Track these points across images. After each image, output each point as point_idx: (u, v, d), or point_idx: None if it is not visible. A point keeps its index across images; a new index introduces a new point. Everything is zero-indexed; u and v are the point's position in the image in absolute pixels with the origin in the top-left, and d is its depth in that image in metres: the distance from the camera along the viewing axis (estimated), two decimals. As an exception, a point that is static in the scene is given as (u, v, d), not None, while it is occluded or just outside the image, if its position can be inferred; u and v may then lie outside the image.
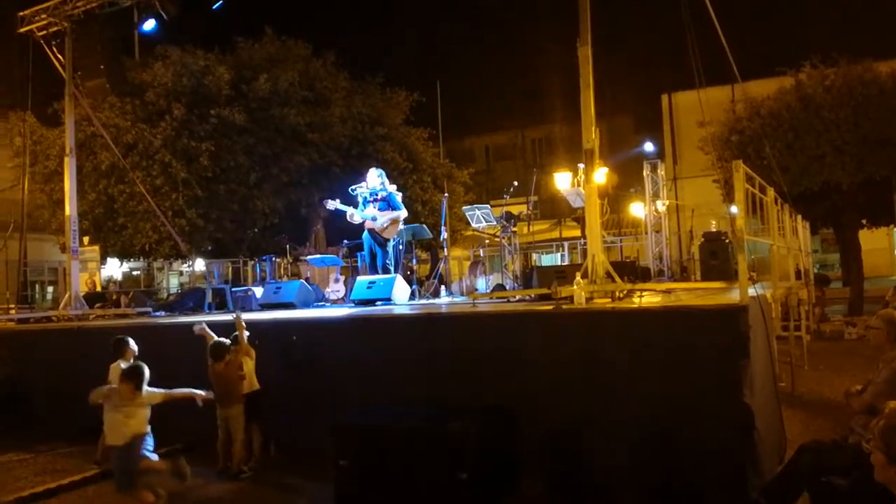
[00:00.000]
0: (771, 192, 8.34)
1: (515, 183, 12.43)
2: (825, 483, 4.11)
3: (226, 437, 6.34)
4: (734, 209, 6.86)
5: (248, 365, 6.51)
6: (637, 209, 19.78)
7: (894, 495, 2.59)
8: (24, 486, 6.29)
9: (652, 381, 5.12)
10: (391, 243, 10.15)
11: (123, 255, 19.70)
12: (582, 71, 6.93)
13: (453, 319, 6.73)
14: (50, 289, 26.16)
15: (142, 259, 21.17)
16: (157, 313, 11.53)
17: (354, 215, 10.14)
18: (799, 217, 13.66)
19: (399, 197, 10.41)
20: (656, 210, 17.22)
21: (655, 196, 17.21)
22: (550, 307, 5.99)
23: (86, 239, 17.16)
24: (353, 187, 10.33)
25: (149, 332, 8.49)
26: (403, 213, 10.21)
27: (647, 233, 17.32)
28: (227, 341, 6.46)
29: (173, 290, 22.50)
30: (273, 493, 6.02)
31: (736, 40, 9.77)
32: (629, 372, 5.20)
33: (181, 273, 25.52)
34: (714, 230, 13.29)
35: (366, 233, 10.17)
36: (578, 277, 6.20)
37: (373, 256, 10.16)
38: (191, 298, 12.07)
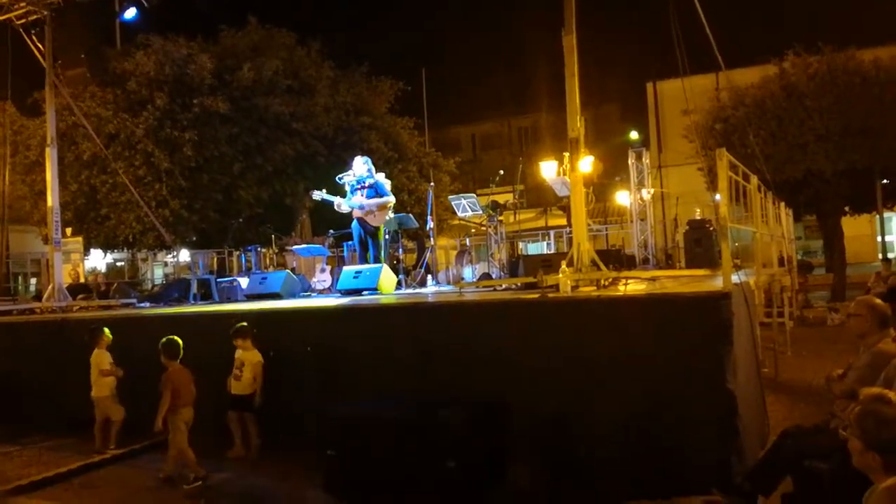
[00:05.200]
0: (754, 179, 8.39)
1: (501, 172, 12.47)
2: (807, 467, 4.16)
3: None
4: (718, 197, 6.90)
5: (257, 370, 6.57)
6: (623, 198, 19.83)
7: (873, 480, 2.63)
8: (9, 478, 6.25)
9: (637, 368, 5.16)
10: (382, 231, 10.11)
11: (107, 247, 19.56)
12: (567, 60, 6.92)
13: (439, 308, 6.73)
14: (33, 280, 25.91)
15: (126, 250, 21.01)
16: (142, 304, 11.46)
17: (342, 205, 10.08)
18: (782, 204, 13.77)
19: (388, 185, 10.35)
20: (641, 198, 17.27)
21: (640, 184, 17.25)
22: (536, 296, 6.01)
23: (68, 230, 17.00)
24: (340, 176, 10.27)
25: (133, 323, 8.45)
26: (391, 200, 10.13)
27: (632, 221, 17.38)
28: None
29: (158, 281, 22.37)
30: (263, 482, 6.03)
31: (721, 28, 9.79)
32: (615, 359, 5.23)
33: (166, 264, 25.38)
34: (698, 218, 13.35)
35: (354, 222, 10.11)
36: (564, 266, 6.23)
37: (363, 245, 10.09)
38: (175, 289, 11.98)
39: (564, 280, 6.00)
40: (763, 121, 16.36)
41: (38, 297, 13.81)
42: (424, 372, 6.01)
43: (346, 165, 10.63)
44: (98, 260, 23.91)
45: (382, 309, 7.22)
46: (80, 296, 12.36)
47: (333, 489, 5.44)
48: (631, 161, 17.04)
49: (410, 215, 11.26)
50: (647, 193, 17.30)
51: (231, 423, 6.59)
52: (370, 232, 9.99)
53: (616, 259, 9.59)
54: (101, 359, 7.10)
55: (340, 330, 6.78)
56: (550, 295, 5.98)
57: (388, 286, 9.17)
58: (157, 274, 25.21)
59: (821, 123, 15.71)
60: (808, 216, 20.75)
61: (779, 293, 9.97)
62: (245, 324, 6.70)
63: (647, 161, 17.67)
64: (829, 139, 15.74)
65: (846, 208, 18.15)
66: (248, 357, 6.58)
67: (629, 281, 6.73)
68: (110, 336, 7.22)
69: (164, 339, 6.25)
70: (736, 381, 4.92)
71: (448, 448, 5.07)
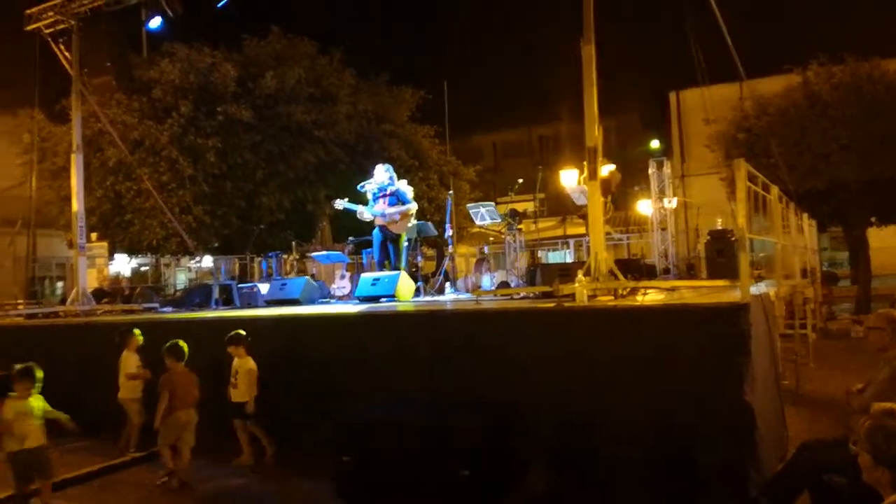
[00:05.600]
0: (775, 190, 8.31)
1: (521, 180, 12.46)
2: (825, 481, 4.11)
3: (175, 442, 6.24)
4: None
5: (251, 377, 6.60)
6: (645, 207, 19.73)
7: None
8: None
9: (653, 378, 5.13)
10: (403, 238, 10.15)
11: (131, 251, 19.80)
12: (585, 69, 6.93)
13: (456, 316, 6.74)
14: (59, 284, 26.27)
15: (150, 255, 21.28)
16: (164, 309, 11.59)
17: (364, 212, 10.14)
18: (805, 215, 13.61)
19: (410, 192, 10.38)
20: (663, 208, 17.18)
21: (661, 194, 17.16)
22: (552, 304, 6.00)
23: (94, 235, 17.22)
24: (362, 184, 10.32)
25: (153, 327, 8.54)
26: (414, 207, 10.16)
27: (653, 230, 17.28)
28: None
29: (181, 286, 22.59)
30: (275, 488, 6.07)
31: (745, 37, 9.75)
32: (630, 369, 5.21)
33: (189, 269, 25.61)
34: (720, 228, 13.24)
35: (376, 229, 10.15)
36: (580, 275, 6.21)
37: (383, 252, 10.13)
38: (197, 294, 12.10)
39: (580, 289, 5.98)
40: (786, 130, 16.19)
41: (64, 301, 14.02)
42: (440, 379, 6.02)
43: (367, 173, 10.67)
44: (123, 265, 24.23)
45: (399, 316, 7.24)
46: (104, 300, 12.52)
47: (346, 495, 5.46)
48: (652, 170, 16.98)
49: (430, 223, 11.28)
50: (669, 203, 17.21)
51: (238, 431, 6.63)
52: (392, 239, 10.04)
53: (635, 269, 9.54)
54: (129, 361, 7.15)
55: (357, 336, 6.81)
56: (566, 304, 5.96)
57: (405, 293, 9.19)
58: (179, 279, 25.47)
59: (845, 133, 15.51)
60: (834, 227, 20.46)
61: (801, 305, 9.85)
62: (239, 332, 6.70)
63: (669, 170, 17.59)
64: (853, 149, 15.53)
65: (872, 219, 17.88)
66: (241, 365, 6.61)
67: (648, 291, 6.70)
68: (141, 338, 7.27)
69: (169, 342, 6.37)
70: (754, 393, 4.88)
71: (463, 454, 5.08)
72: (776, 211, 8.34)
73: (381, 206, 10.02)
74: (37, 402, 5.44)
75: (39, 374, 5.48)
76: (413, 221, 10.23)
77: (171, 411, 6.09)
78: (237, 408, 6.59)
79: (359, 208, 10.15)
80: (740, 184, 5.32)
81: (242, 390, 6.57)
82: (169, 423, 6.11)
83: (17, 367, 5.44)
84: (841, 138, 15.58)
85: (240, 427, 6.62)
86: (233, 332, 6.68)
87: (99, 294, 12.92)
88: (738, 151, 16.36)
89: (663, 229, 17.03)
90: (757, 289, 5.37)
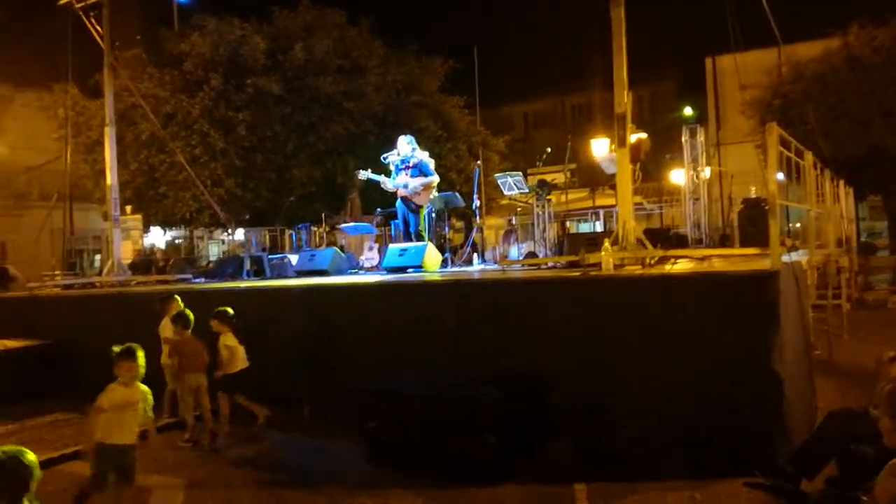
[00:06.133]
0: (809, 156, 8.10)
1: (549, 150, 12.29)
2: (852, 450, 4.07)
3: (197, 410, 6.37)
4: (780, 175, 6.73)
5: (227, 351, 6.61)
6: (678, 176, 19.43)
7: None
8: (69, 443, 6.55)
9: (679, 347, 5.10)
10: (424, 209, 10.18)
11: (165, 224, 20.12)
12: (615, 34, 6.80)
13: (481, 286, 6.74)
14: (97, 257, 26.81)
15: (183, 228, 21.61)
16: (197, 280, 11.80)
17: (387, 183, 10.18)
18: (841, 183, 13.29)
19: (432, 164, 10.38)
20: (696, 177, 16.88)
21: (695, 162, 16.86)
22: (577, 274, 5.96)
23: (128, 208, 17.55)
24: (385, 155, 10.36)
25: (188, 297, 8.69)
26: (435, 179, 10.18)
27: (685, 200, 17.02)
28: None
29: (213, 258, 22.94)
30: (306, 453, 6.20)
31: (782, 1, 9.48)
32: (656, 338, 5.17)
33: (222, 242, 26.00)
34: (754, 196, 13.00)
35: (399, 200, 10.21)
36: (607, 244, 6.16)
37: (406, 224, 10.20)
38: (229, 265, 12.28)
39: (607, 258, 5.94)
40: (823, 96, 15.78)
41: (101, 272, 14.34)
42: (466, 348, 6.05)
43: (395, 145, 10.67)
44: (158, 237, 24.68)
45: (425, 286, 7.27)
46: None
47: (377, 459, 5.54)
48: (685, 138, 16.68)
49: (457, 194, 11.26)
50: (705, 172, 16.90)
51: (241, 402, 6.64)
52: (413, 210, 10.08)
53: (664, 238, 9.43)
54: (168, 327, 7.22)
55: (384, 306, 6.86)
56: (592, 273, 5.93)
57: (432, 264, 9.21)
58: (213, 251, 25.87)
59: (886, 98, 15.06)
60: (873, 196, 19.96)
61: (835, 274, 9.65)
62: (226, 308, 6.67)
63: (703, 139, 17.26)
64: (895, 115, 15.09)
65: (913, 188, 17.44)
66: (222, 340, 6.61)
67: (678, 260, 6.62)
68: (181, 305, 7.32)
69: (176, 312, 6.57)
70: (782, 362, 4.83)
71: (488, 423, 5.11)
72: (810, 178, 8.15)
73: (404, 178, 10.03)
74: (139, 393, 4.71)
75: (140, 353, 4.69)
76: (434, 193, 10.24)
77: (180, 376, 6.32)
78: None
79: (381, 178, 10.19)
80: (772, 149, 5.21)
81: (226, 362, 6.55)
82: (182, 387, 6.34)
83: (116, 348, 4.71)
84: (882, 103, 15.13)
85: (239, 397, 6.61)
86: (217, 309, 6.67)
87: (133, 266, 13.18)
88: (773, 118, 15.98)
89: (696, 199, 16.76)
90: (788, 257, 5.27)
